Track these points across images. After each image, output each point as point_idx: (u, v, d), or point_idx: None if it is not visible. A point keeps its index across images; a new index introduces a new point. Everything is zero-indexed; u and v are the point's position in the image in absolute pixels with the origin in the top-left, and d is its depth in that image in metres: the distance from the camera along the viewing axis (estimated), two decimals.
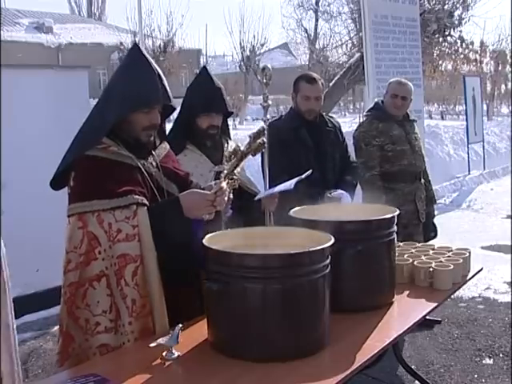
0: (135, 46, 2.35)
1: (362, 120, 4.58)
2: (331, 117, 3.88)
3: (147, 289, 2.15)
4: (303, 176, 3.06)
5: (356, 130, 4.30)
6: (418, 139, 4.32)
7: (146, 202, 2.20)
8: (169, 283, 2.20)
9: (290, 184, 2.99)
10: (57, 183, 2.32)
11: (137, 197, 2.18)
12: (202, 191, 2.25)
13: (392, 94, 4.14)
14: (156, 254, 2.16)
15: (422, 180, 4.35)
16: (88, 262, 2.13)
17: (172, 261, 2.15)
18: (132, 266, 2.12)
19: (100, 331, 2.14)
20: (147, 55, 2.30)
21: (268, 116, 3.17)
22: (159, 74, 2.27)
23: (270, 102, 3.22)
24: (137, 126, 2.26)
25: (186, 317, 2.18)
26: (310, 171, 3.09)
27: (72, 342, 2.18)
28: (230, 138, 3.13)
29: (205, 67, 3.00)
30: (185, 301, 2.24)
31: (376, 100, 4.43)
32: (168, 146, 2.51)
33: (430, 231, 4.42)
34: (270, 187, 3.08)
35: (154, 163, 2.35)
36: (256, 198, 2.99)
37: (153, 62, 2.30)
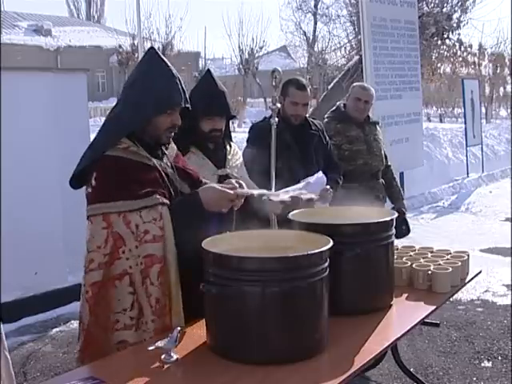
0: (152, 49, 2.38)
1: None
2: (314, 118, 3.96)
3: (168, 288, 2.21)
4: (313, 177, 3.03)
5: None
6: (378, 140, 4.49)
7: (167, 202, 2.25)
8: (183, 282, 2.24)
9: (302, 185, 2.94)
10: (76, 181, 2.32)
11: (159, 197, 2.22)
12: (222, 188, 2.27)
13: (355, 98, 4.34)
14: (176, 255, 2.22)
15: (381, 180, 4.49)
16: (112, 261, 2.16)
17: (189, 258, 2.18)
18: (157, 266, 2.18)
19: (118, 328, 2.18)
20: (165, 58, 2.33)
21: (276, 119, 3.17)
22: (178, 76, 2.32)
23: (278, 105, 3.21)
24: (160, 127, 2.30)
25: (199, 316, 2.20)
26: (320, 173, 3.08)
27: (93, 340, 2.21)
28: (231, 141, 3.13)
29: (209, 70, 2.99)
30: (198, 300, 2.21)
31: (338, 103, 4.59)
32: (175, 146, 2.54)
33: (402, 225, 4.47)
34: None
35: (169, 163, 2.39)
36: (269, 198, 2.97)
37: (170, 64, 2.34)
